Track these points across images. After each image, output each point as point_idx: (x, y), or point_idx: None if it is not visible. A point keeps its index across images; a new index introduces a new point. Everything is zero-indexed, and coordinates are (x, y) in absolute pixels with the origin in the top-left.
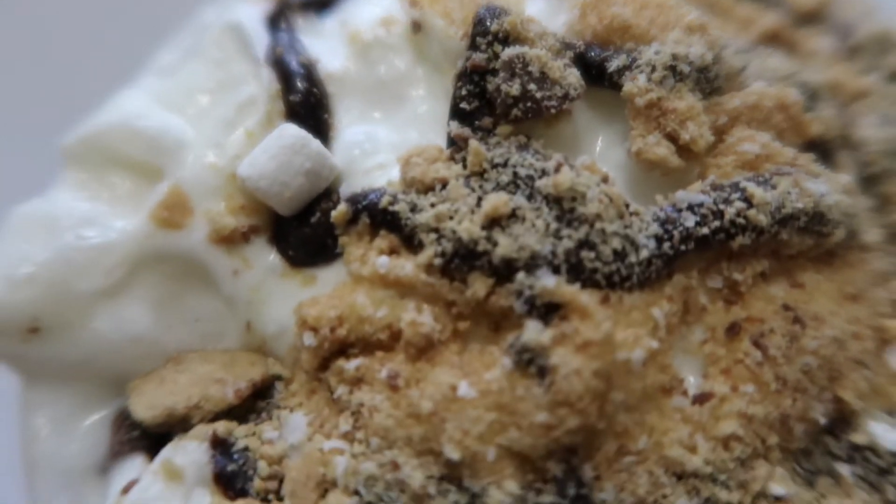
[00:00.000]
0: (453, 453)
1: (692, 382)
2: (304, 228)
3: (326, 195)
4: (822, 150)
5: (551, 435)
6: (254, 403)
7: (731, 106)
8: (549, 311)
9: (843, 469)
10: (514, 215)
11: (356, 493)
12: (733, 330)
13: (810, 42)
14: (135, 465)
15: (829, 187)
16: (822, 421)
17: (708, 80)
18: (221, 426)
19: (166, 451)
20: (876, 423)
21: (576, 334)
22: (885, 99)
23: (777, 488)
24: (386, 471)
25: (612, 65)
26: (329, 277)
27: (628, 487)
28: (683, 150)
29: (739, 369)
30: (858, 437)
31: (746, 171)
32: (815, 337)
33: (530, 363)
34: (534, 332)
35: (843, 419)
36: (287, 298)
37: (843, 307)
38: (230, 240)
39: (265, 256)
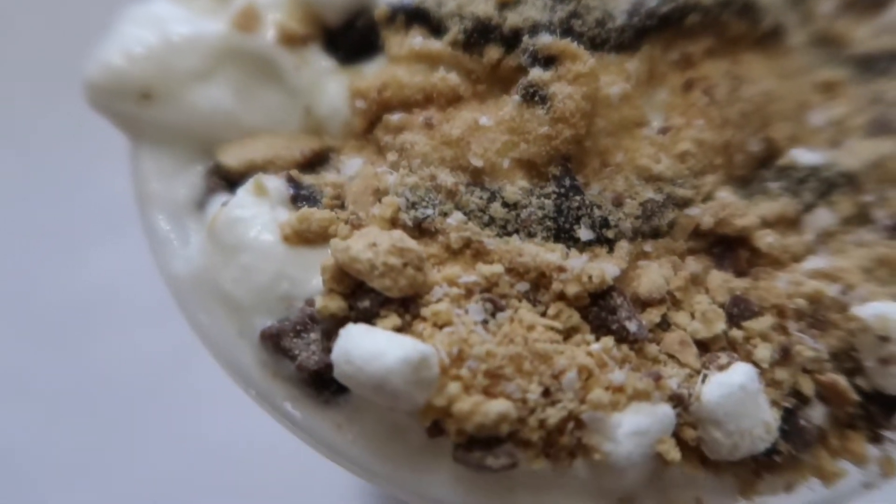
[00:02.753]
0: (477, 162)
1: (656, 125)
2: (351, 32)
3: (365, 10)
4: None
5: (552, 144)
6: (314, 169)
7: None
8: (548, 62)
9: (771, 185)
10: (518, 0)
11: (404, 196)
12: (687, 84)
13: None
14: (224, 196)
15: None
16: (756, 149)
17: None
18: (293, 172)
19: (255, 176)
20: (795, 150)
21: (568, 72)
22: None
23: (721, 193)
24: (426, 181)
25: None
26: (372, 69)
27: (609, 187)
28: None
29: (693, 110)
30: (782, 161)
31: None
32: (751, 90)
33: (534, 95)
34: (537, 73)
35: (772, 156)
36: (338, 87)
37: (773, 78)
38: (292, 41)
39: (320, 57)
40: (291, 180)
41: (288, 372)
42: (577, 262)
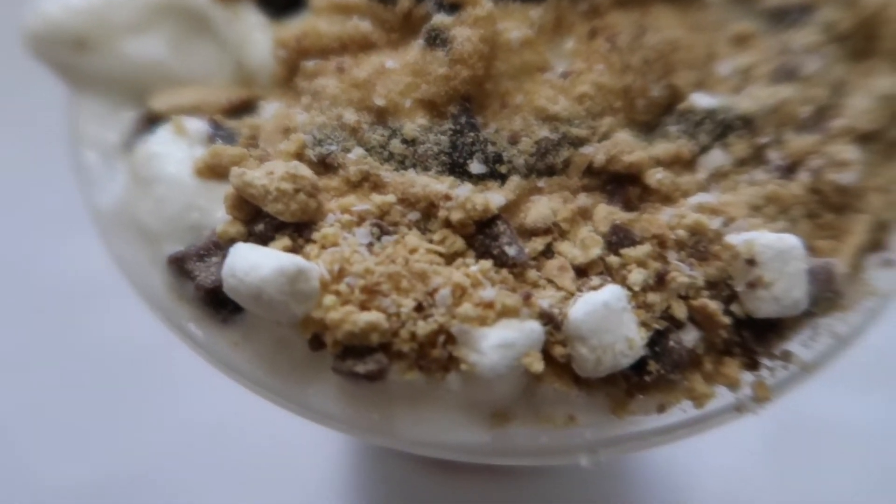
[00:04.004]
0: (380, 101)
1: (561, 70)
2: None
3: None
4: None
5: (450, 84)
6: (240, 115)
7: None
8: (452, 8)
9: (671, 128)
10: None
11: (311, 134)
12: (592, 32)
13: None
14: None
15: None
16: (658, 94)
17: None
18: (217, 115)
19: (175, 117)
20: (695, 94)
21: (469, 16)
22: None
23: (619, 134)
24: (333, 120)
25: None
26: (297, 25)
27: (507, 126)
28: None
29: (595, 56)
30: (682, 105)
31: None
32: (654, 38)
33: (436, 38)
34: (440, 17)
35: (676, 102)
36: (267, 40)
37: (682, 29)
38: None
39: (251, 13)
40: (213, 122)
41: (191, 294)
42: (462, 190)
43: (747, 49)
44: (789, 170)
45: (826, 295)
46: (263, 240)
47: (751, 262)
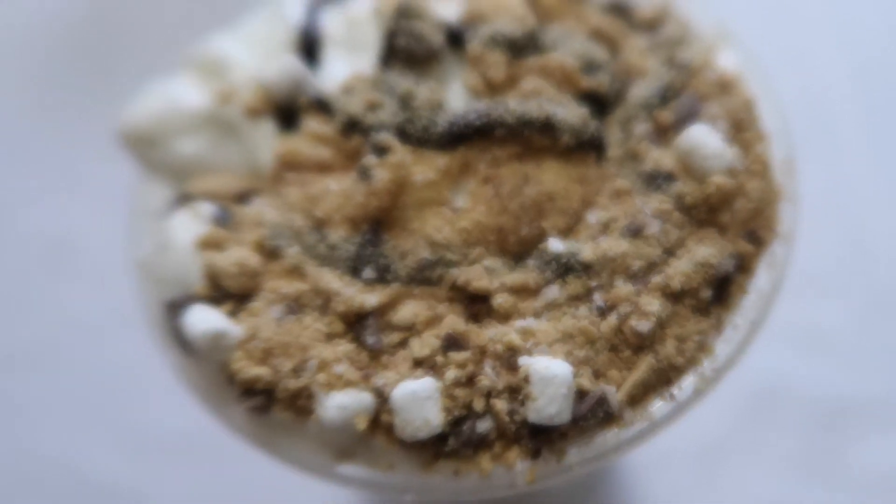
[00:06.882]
0: (320, 213)
1: (459, 206)
2: (292, 110)
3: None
4: (600, 101)
5: (364, 210)
6: (244, 201)
7: (527, 64)
8: (382, 151)
9: (529, 262)
10: (381, 105)
11: (271, 229)
12: (485, 180)
13: (630, 41)
14: (178, 212)
15: (564, 110)
16: (527, 234)
17: (517, 48)
18: (226, 201)
19: (193, 202)
20: (550, 238)
21: (388, 160)
22: (654, 75)
23: (486, 262)
24: (287, 221)
25: (468, 37)
26: (291, 141)
27: (401, 245)
28: (488, 84)
29: (481, 199)
30: (541, 246)
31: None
32: (532, 189)
33: (363, 174)
34: (369, 158)
35: (541, 242)
36: (270, 148)
37: (567, 182)
38: (253, 112)
39: (268, 125)
40: (221, 206)
41: (173, 328)
42: (349, 290)
43: (618, 204)
44: (607, 310)
45: (598, 414)
46: (217, 301)
47: (526, 381)
